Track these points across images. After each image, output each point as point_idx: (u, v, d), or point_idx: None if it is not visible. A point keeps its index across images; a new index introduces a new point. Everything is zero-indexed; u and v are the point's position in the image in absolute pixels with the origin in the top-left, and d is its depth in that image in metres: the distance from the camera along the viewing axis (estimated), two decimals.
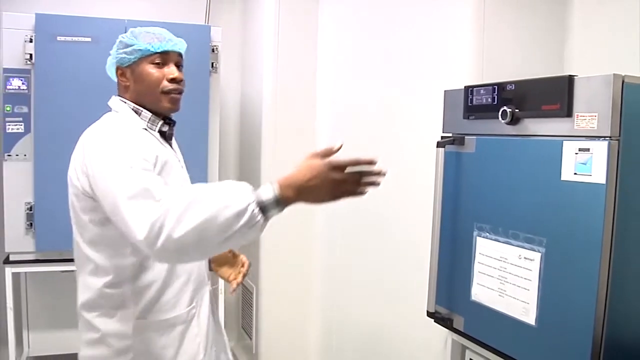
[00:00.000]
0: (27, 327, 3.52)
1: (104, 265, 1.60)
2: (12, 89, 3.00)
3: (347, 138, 3.21)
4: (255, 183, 3.70)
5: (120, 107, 1.69)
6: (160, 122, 1.71)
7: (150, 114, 1.69)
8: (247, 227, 1.26)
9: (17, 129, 3.02)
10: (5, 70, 2.99)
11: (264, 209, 1.29)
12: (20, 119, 3.02)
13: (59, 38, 2.91)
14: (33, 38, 2.96)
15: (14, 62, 2.98)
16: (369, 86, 3.04)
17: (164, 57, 1.68)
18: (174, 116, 1.81)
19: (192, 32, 3.20)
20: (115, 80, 1.76)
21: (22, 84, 3.01)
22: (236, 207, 1.25)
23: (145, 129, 1.67)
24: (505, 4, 2.40)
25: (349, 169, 1.32)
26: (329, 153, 1.35)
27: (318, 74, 3.45)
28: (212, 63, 3.26)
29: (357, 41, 3.17)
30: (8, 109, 3.01)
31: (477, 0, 2.36)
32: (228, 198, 1.27)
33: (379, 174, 1.35)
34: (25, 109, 3.02)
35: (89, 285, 1.63)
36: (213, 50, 3.26)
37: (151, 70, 1.67)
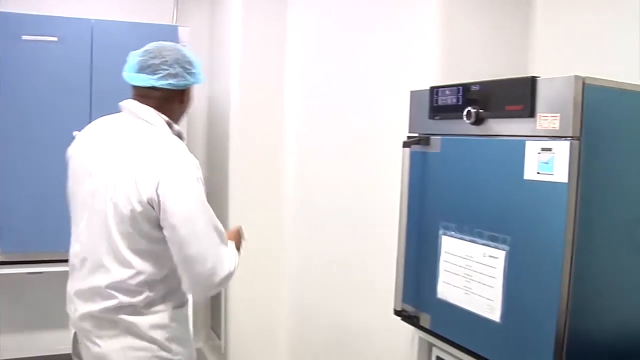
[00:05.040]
0: None
1: (150, 270, 1.73)
2: None
3: (316, 139, 3.22)
4: (223, 187, 3.67)
5: (157, 121, 1.78)
6: (184, 136, 1.88)
7: (178, 128, 1.85)
8: None
9: None
10: None
11: None
12: None
13: (24, 37, 2.87)
14: None
15: None
16: (336, 87, 3.04)
17: None
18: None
19: (158, 32, 3.16)
20: (141, 84, 1.79)
21: None
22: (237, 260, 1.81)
23: None
24: (471, 5, 2.42)
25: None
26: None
27: (286, 76, 3.43)
28: None
29: (324, 42, 3.17)
30: None
31: (443, 1, 2.39)
32: (236, 251, 1.84)
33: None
34: None
35: (128, 289, 1.71)
36: None
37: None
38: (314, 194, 3.24)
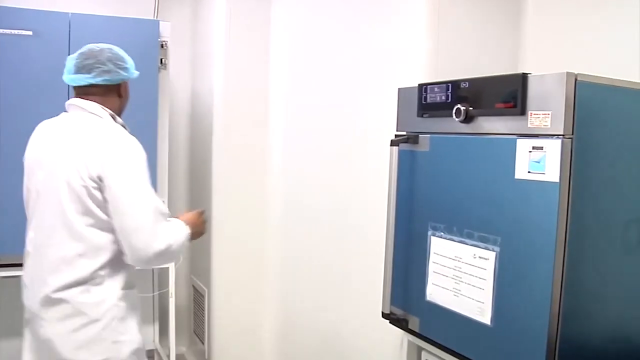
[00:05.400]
0: None
1: (103, 245, 1.87)
2: None
3: (302, 137, 3.18)
4: (207, 185, 3.65)
5: (102, 113, 1.97)
6: (128, 129, 2.02)
7: (121, 120, 2.04)
8: (185, 248, 1.98)
9: None
10: None
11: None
12: None
13: None
14: None
15: None
16: (322, 84, 3.01)
17: None
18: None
19: (139, 27, 3.12)
20: (80, 84, 1.98)
21: None
22: (187, 234, 1.97)
23: None
24: (459, 1, 2.40)
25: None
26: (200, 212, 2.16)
27: (271, 72, 3.40)
28: (161, 59, 3.17)
29: (310, 37, 3.14)
30: None
31: None
32: (185, 228, 1.98)
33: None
34: None
35: (81, 266, 1.85)
36: (162, 46, 3.17)
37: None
38: (299, 194, 3.20)
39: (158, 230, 1.84)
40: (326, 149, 2.96)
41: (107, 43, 2.03)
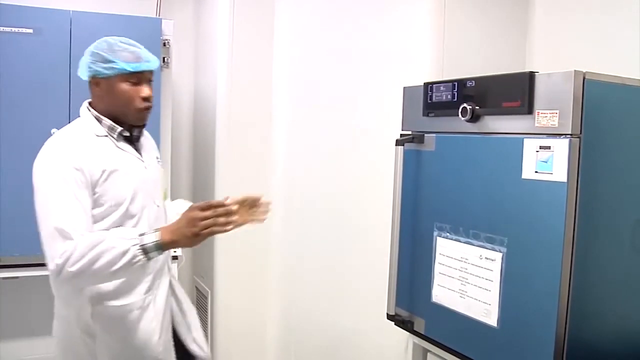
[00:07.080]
0: None
1: None
2: None
3: (305, 136, 3.16)
4: (210, 184, 3.60)
5: (84, 114, 1.84)
6: (120, 129, 1.83)
7: (110, 122, 1.82)
8: (129, 264, 1.62)
9: None
10: None
11: (145, 250, 1.64)
12: None
13: None
14: None
15: None
16: (327, 83, 2.99)
17: (139, 77, 1.81)
18: None
19: (141, 25, 3.09)
20: (87, 79, 1.85)
21: None
22: (120, 248, 1.61)
23: (106, 135, 1.82)
24: None
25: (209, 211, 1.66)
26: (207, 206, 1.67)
27: (274, 70, 3.38)
28: (164, 58, 3.15)
29: (314, 36, 3.12)
30: None
31: None
32: (116, 241, 1.62)
33: (231, 213, 1.68)
34: None
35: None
36: (164, 45, 3.15)
37: (126, 88, 1.79)
38: (303, 194, 3.19)
39: (50, 250, 1.63)
40: (331, 148, 2.94)
41: None
